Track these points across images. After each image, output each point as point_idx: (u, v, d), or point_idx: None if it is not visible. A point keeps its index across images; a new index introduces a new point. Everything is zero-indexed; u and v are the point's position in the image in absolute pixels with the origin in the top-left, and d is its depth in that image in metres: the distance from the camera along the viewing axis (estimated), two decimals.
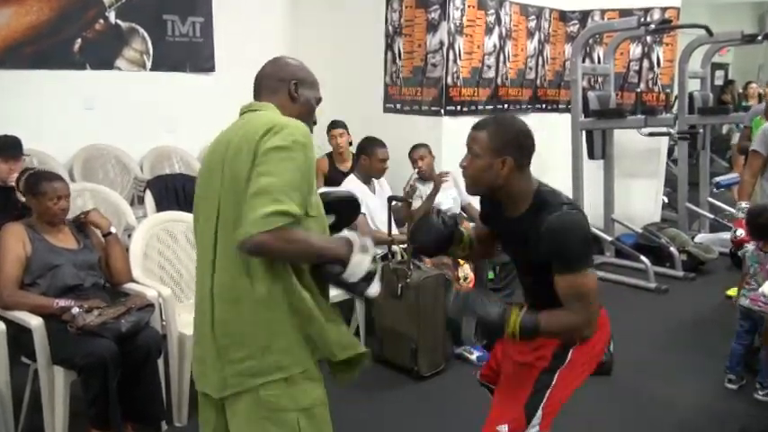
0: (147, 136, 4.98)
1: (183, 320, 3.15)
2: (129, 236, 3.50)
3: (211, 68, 5.30)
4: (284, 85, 1.83)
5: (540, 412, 1.98)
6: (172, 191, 4.35)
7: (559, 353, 1.99)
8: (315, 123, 1.93)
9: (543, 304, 1.91)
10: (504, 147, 1.87)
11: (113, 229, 3.17)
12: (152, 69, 5.00)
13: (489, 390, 2.30)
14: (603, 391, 3.20)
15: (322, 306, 1.77)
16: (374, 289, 1.75)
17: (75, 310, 2.73)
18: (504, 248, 2.20)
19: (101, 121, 4.75)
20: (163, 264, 3.42)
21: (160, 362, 2.94)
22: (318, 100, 1.91)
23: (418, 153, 4.41)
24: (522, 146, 1.91)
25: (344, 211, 2.01)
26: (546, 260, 1.86)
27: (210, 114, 5.20)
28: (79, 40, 4.66)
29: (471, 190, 1.98)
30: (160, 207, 4.19)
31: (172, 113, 5.05)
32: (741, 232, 3.63)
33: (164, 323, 3.06)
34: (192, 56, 5.20)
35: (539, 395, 1.99)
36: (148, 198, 4.30)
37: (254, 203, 1.58)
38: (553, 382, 1.99)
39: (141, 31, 4.91)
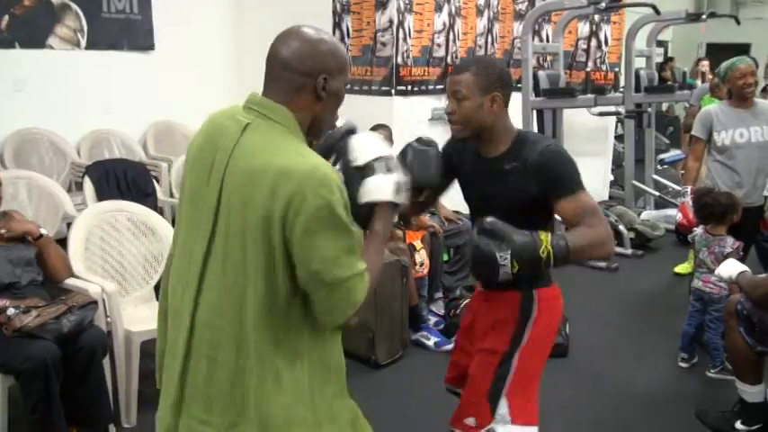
0: (84, 118, 4.77)
1: (129, 316, 3.04)
2: (69, 225, 3.33)
3: (150, 46, 5.09)
4: (310, 82, 1.44)
5: (503, 400, 1.95)
6: (113, 177, 4.17)
7: (516, 336, 1.97)
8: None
9: None
10: (491, 84, 1.88)
11: (44, 231, 2.96)
12: (87, 48, 4.78)
13: (457, 395, 2.22)
14: (558, 372, 3.21)
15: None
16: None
17: (12, 310, 2.56)
18: (467, 191, 2.09)
19: (33, 104, 4.53)
20: (105, 257, 3.27)
21: (106, 361, 2.82)
22: (348, 83, 1.54)
23: (379, 134, 4.31)
24: (507, 82, 1.93)
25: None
26: (535, 194, 1.85)
27: (151, 95, 5.08)
28: (6, 17, 4.42)
29: (463, 133, 1.94)
30: (100, 194, 4.03)
31: (109, 94, 4.86)
32: (679, 216, 3.74)
33: (108, 320, 2.92)
34: (130, 33, 4.99)
35: (500, 382, 1.96)
36: (87, 185, 4.11)
37: (330, 293, 1.38)
38: (513, 367, 1.96)
39: (74, 6, 4.68)
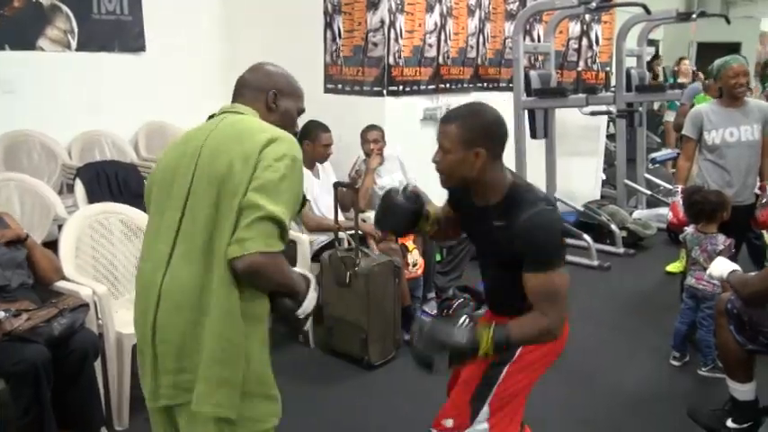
0: (75, 120, 4.73)
1: (120, 319, 3.02)
2: (60, 227, 3.31)
3: (141, 48, 5.06)
4: (262, 95, 1.78)
5: (486, 408, 1.95)
6: (104, 178, 4.15)
7: (510, 348, 1.94)
8: (296, 134, 1.83)
9: (505, 293, 1.93)
10: (475, 139, 1.81)
11: (30, 234, 2.96)
12: (77, 49, 4.74)
13: None
14: (550, 371, 3.19)
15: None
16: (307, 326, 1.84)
17: (2, 314, 2.55)
18: (468, 235, 2.15)
19: (23, 106, 4.49)
20: (97, 259, 3.26)
21: (97, 364, 2.81)
22: (300, 111, 1.87)
23: (372, 135, 4.31)
24: (494, 136, 1.85)
25: None
26: (518, 257, 1.81)
27: (142, 96, 5.06)
28: None
29: (446, 184, 1.94)
30: (92, 196, 4.01)
31: (100, 96, 4.82)
32: (670, 215, 3.74)
33: (100, 322, 2.91)
34: (120, 34, 4.95)
35: (485, 389, 1.96)
36: (79, 187, 4.09)
37: (256, 225, 1.55)
38: (501, 377, 1.95)
39: (65, 8, 4.63)
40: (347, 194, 3.88)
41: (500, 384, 1.95)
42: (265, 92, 1.77)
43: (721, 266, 2.74)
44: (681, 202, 3.67)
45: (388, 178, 4.35)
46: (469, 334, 1.75)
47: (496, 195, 1.87)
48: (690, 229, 3.55)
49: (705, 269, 3.30)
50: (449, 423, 1.98)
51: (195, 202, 1.63)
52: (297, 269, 1.79)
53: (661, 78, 9.13)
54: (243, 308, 1.61)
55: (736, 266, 2.72)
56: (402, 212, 2.04)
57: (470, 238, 2.15)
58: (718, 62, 3.74)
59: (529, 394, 2.09)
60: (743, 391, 2.84)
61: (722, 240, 3.37)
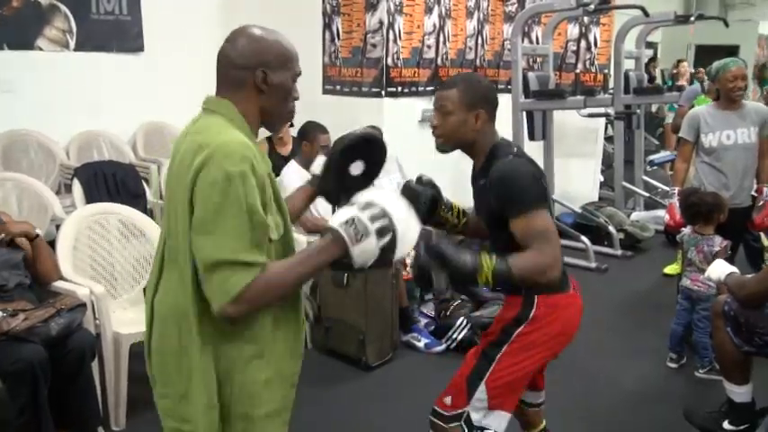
0: (73, 120, 4.72)
1: (118, 318, 3.03)
2: (58, 227, 3.30)
3: (140, 48, 5.04)
4: (248, 75, 1.51)
5: (482, 386, 1.97)
6: (102, 178, 4.13)
7: (507, 329, 1.99)
8: (296, 98, 1.61)
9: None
10: (476, 101, 1.95)
11: (39, 231, 2.96)
12: (76, 49, 4.71)
13: None
14: (547, 372, 3.21)
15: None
16: (403, 249, 1.49)
17: None
18: (476, 209, 2.15)
19: (21, 105, 4.47)
20: (94, 259, 3.25)
21: (95, 364, 2.81)
22: (296, 76, 1.59)
23: None
24: (491, 98, 2.00)
25: (370, 155, 1.86)
26: (498, 210, 1.90)
27: (140, 97, 5.04)
28: None
29: (445, 147, 2.00)
30: (89, 196, 4.00)
31: (98, 96, 4.80)
32: (667, 217, 3.75)
33: (97, 322, 2.91)
34: (119, 34, 4.93)
35: (482, 368, 1.99)
36: (76, 187, 4.08)
37: (207, 279, 1.41)
38: (498, 357, 1.98)
39: (63, 8, 4.62)
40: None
41: (498, 363, 1.98)
42: (251, 70, 1.51)
43: (719, 269, 2.74)
44: (678, 204, 3.68)
45: (386, 179, 4.34)
46: (473, 256, 1.80)
47: (483, 157, 2.00)
48: (687, 230, 3.55)
49: (701, 270, 3.33)
50: (448, 401, 2.02)
51: (170, 221, 1.52)
52: (305, 243, 1.64)
53: (659, 81, 9.15)
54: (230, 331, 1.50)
55: (733, 269, 2.72)
56: (420, 198, 2.04)
57: (477, 212, 2.17)
58: (716, 64, 3.74)
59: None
60: (739, 392, 2.84)
61: (719, 242, 3.38)
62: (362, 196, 1.54)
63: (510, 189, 1.86)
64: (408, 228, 1.50)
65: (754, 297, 2.58)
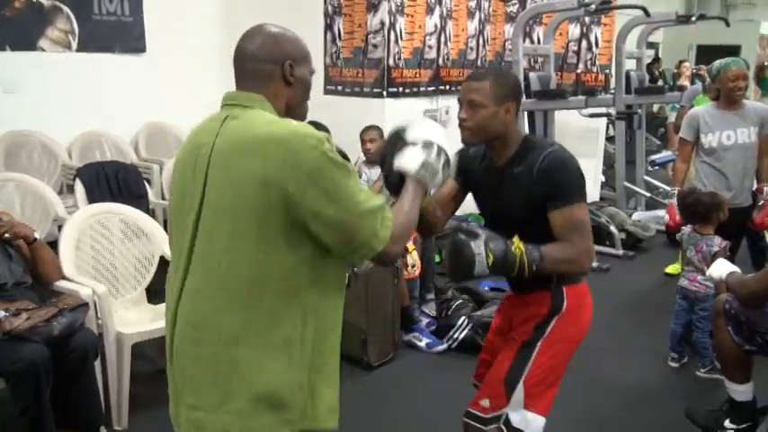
0: (75, 121, 4.74)
1: (120, 318, 3.03)
2: (60, 228, 3.30)
3: (142, 49, 5.06)
4: (277, 69, 1.50)
5: (520, 386, 1.97)
6: (104, 179, 4.13)
7: (540, 325, 2.00)
8: (308, 98, 1.65)
9: None
10: (507, 94, 1.93)
11: (37, 235, 2.94)
12: (78, 50, 4.74)
13: None
14: None
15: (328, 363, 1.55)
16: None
17: (1, 313, 2.54)
18: (481, 202, 2.14)
19: (23, 106, 4.48)
20: (97, 259, 3.25)
21: (97, 364, 2.80)
22: (312, 72, 1.62)
23: (369, 135, 4.31)
24: (520, 93, 2.02)
25: None
26: (539, 200, 1.89)
27: (142, 97, 5.06)
28: None
29: (472, 139, 1.99)
30: (91, 196, 4.00)
31: (101, 96, 4.81)
32: (667, 217, 3.74)
33: (99, 322, 2.90)
34: (121, 35, 4.95)
35: (518, 368, 1.98)
36: (78, 187, 4.08)
37: (353, 235, 1.42)
38: (533, 355, 1.98)
39: (65, 9, 4.64)
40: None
41: (534, 361, 1.98)
42: (280, 63, 1.50)
43: (720, 268, 2.75)
44: (677, 205, 3.67)
45: (374, 172, 4.35)
46: (502, 240, 1.83)
47: (513, 148, 1.98)
48: (686, 229, 3.55)
49: (699, 270, 3.34)
50: (485, 403, 2.01)
51: (209, 217, 1.44)
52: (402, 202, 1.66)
53: (661, 81, 9.14)
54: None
55: (735, 268, 2.72)
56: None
57: (485, 209, 2.14)
58: (717, 64, 3.73)
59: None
60: (740, 391, 2.83)
61: (718, 242, 3.36)
62: (416, 132, 1.72)
63: (562, 179, 1.88)
64: (450, 149, 1.73)
65: (754, 296, 2.59)
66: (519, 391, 1.97)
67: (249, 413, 1.44)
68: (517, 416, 1.97)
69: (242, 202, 1.39)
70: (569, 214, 1.86)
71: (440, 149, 1.68)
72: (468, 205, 2.23)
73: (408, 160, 1.67)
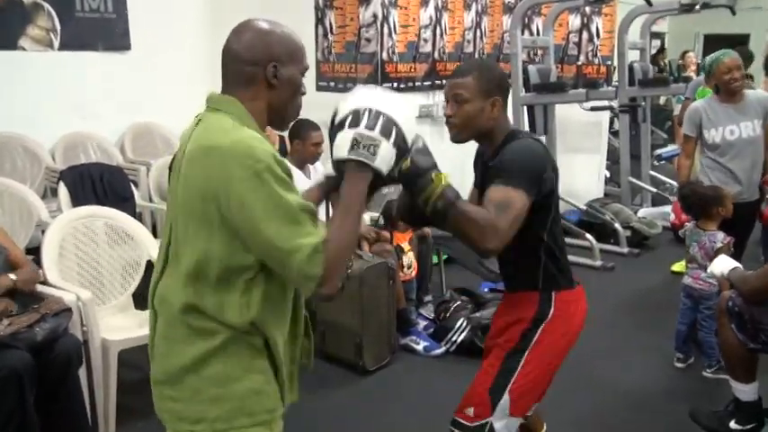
0: (58, 122, 4.64)
1: (106, 325, 2.97)
2: (44, 233, 3.24)
3: (126, 47, 4.95)
4: (259, 71, 1.45)
5: (506, 396, 1.94)
6: (88, 181, 4.04)
7: (527, 333, 1.97)
8: (304, 93, 1.55)
9: (513, 251, 1.81)
10: (492, 89, 1.91)
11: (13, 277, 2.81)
12: (60, 49, 4.63)
13: None
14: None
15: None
16: (409, 130, 1.47)
17: None
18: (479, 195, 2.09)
19: (4, 107, 4.39)
20: (81, 264, 3.19)
21: (83, 372, 2.76)
22: (304, 70, 1.53)
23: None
24: (505, 86, 2.00)
25: None
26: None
27: (128, 96, 4.97)
28: None
29: (461, 137, 1.97)
30: (76, 200, 3.91)
31: (84, 96, 4.73)
32: (672, 216, 3.69)
33: (84, 329, 2.83)
34: (104, 33, 4.84)
35: (504, 378, 1.96)
36: (62, 190, 3.99)
37: (285, 270, 1.36)
38: (520, 365, 1.95)
39: (46, 6, 4.53)
40: (337, 195, 3.77)
41: (520, 372, 1.95)
42: (263, 66, 1.45)
43: (722, 264, 2.73)
44: None
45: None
46: (432, 164, 1.64)
47: (498, 142, 1.95)
48: (690, 225, 3.48)
49: (702, 267, 3.27)
50: (470, 412, 1.98)
51: (179, 218, 1.47)
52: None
53: (667, 72, 9.01)
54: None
55: (737, 264, 2.70)
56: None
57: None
58: (709, 59, 3.68)
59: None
60: (745, 391, 2.80)
61: (721, 238, 3.29)
62: (343, 109, 1.47)
63: (508, 160, 1.83)
64: (398, 108, 1.47)
65: (756, 292, 2.57)
66: (504, 401, 1.94)
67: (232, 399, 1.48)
68: (501, 424, 1.96)
69: (192, 213, 1.41)
70: (502, 192, 1.74)
71: (375, 113, 1.42)
72: None
73: (337, 146, 1.44)
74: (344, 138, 1.42)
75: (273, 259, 1.36)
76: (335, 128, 1.46)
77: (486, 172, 1.97)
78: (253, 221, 1.33)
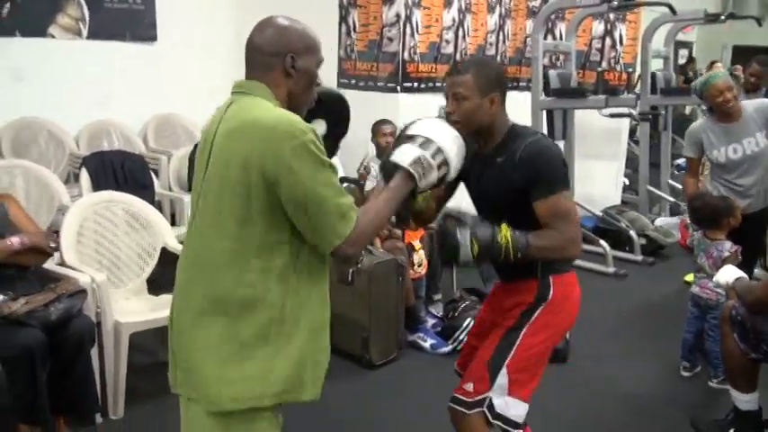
0: (84, 109, 4.72)
1: (120, 307, 3.02)
2: (64, 216, 3.27)
3: (153, 38, 5.03)
4: (278, 61, 1.61)
5: (504, 370, 1.98)
6: (110, 168, 4.12)
7: (526, 312, 2.02)
8: (319, 85, 1.72)
9: None
10: (490, 85, 1.97)
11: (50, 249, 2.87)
12: (88, 38, 4.71)
13: None
14: (559, 378, 3.16)
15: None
16: (453, 174, 1.82)
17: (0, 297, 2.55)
18: (471, 193, 2.18)
19: (32, 93, 4.47)
20: (99, 247, 3.24)
21: (95, 352, 2.79)
22: (320, 63, 1.70)
23: (385, 129, 4.17)
24: (503, 82, 2.04)
25: (334, 116, 1.90)
26: (521, 188, 1.93)
27: (152, 87, 5.04)
28: (8, 5, 4.34)
29: (462, 133, 1.96)
30: (97, 185, 3.99)
31: (110, 85, 4.79)
32: (678, 235, 3.67)
33: (98, 310, 2.88)
34: (132, 24, 4.92)
35: (503, 353, 2.00)
36: (84, 175, 4.07)
37: (316, 228, 1.53)
38: (518, 340, 2.00)
39: None
40: (353, 192, 3.83)
41: (518, 347, 1.99)
42: (281, 56, 1.60)
43: (727, 274, 2.72)
44: (688, 219, 3.61)
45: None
46: (490, 227, 1.87)
47: (500, 137, 2.03)
48: (697, 235, 3.47)
49: (710, 277, 3.24)
50: (469, 387, 2.02)
51: (208, 192, 1.60)
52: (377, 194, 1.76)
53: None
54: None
55: (742, 273, 2.68)
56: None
57: (471, 196, 2.18)
58: (699, 81, 3.63)
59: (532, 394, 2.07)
60: (745, 400, 2.79)
61: (728, 247, 3.27)
62: (420, 129, 1.79)
63: (543, 168, 1.92)
64: (456, 152, 1.79)
65: (759, 303, 2.55)
66: (502, 376, 1.98)
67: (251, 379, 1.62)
68: (500, 401, 1.98)
69: (226, 182, 1.53)
70: (554, 203, 1.91)
71: (438, 149, 1.74)
72: None
73: (403, 153, 1.73)
74: (412, 152, 1.73)
75: (310, 215, 1.51)
76: (406, 137, 1.78)
77: (486, 165, 2.03)
78: (298, 185, 1.49)
